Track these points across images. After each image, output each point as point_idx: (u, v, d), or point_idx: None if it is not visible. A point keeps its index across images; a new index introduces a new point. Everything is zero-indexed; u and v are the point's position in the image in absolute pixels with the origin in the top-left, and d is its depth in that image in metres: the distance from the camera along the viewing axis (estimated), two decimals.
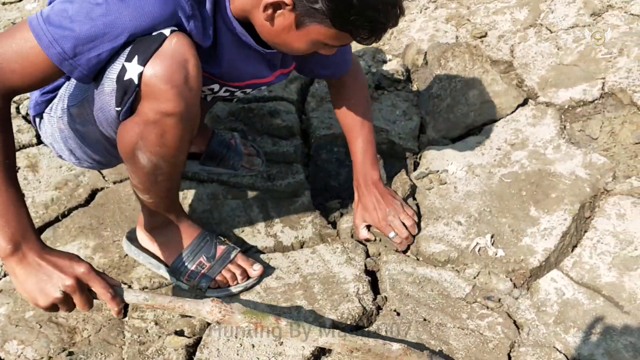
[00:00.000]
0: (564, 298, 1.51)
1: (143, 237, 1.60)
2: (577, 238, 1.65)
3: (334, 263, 1.64)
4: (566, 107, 1.98)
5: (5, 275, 1.61)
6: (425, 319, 1.49)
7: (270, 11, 1.25)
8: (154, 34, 1.22)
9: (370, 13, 1.21)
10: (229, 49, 1.38)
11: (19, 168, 1.92)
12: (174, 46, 1.22)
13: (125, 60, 1.22)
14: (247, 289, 1.57)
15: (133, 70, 1.22)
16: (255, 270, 1.58)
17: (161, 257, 1.58)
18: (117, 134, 1.36)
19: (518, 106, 2.02)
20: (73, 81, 1.40)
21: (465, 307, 1.51)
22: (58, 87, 1.45)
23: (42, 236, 1.71)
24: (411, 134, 2.01)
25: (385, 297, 1.56)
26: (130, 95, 1.25)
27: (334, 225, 1.82)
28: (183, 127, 1.29)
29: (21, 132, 2.04)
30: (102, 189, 1.85)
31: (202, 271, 1.55)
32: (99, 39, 1.18)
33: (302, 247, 1.72)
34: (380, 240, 1.71)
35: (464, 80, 2.07)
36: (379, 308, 1.54)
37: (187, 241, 1.57)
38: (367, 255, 1.69)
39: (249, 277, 1.58)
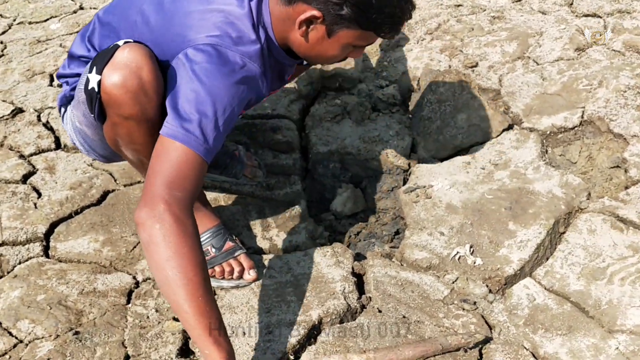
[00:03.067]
0: (535, 303, 1.63)
1: None
2: (550, 250, 1.78)
3: (323, 265, 1.77)
4: (548, 132, 2.13)
5: (20, 263, 1.75)
6: (404, 317, 1.60)
7: (304, 28, 1.46)
8: (110, 46, 1.43)
9: (388, 10, 1.42)
10: (272, 72, 1.60)
11: (37, 170, 2.08)
12: (127, 55, 1.40)
13: (88, 72, 1.42)
14: (237, 287, 1.70)
15: (94, 79, 1.42)
16: (249, 275, 1.71)
17: None
18: (104, 134, 1.56)
19: (503, 130, 2.16)
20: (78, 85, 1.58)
21: (443, 308, 1.63)
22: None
23: (56, 230, 1.86)
24: (403, 152, 2.16)
25: (370, 297, 1.68)
26: (95, 102, 1.44)
27: (326, 231, 1.96)
28: (146, 128, 1.47)
29: (41, 137, 2.21)
30: (113, 190, 2.00)
31: (206, 258, 1.68)
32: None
33: (295, 250, 1.85)
34: None
35: (453, 105, 2.22)
36: (363, 306, 1.66)
37: (203, 228, 1.71)
38: (355, 259, 1.81)
39: (242, 277, 1.71)
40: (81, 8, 3.05)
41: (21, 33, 2.85)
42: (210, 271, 1.68)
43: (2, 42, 2.80)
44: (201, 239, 1.71)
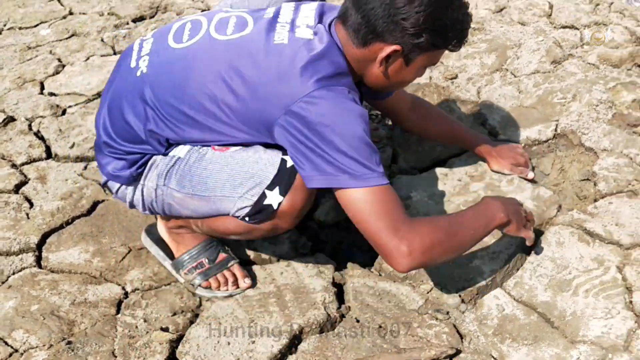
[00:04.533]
0: (504, 313, 1.72)
1: (162, 228, 1.84)
2: (521, 262, 1.87)
3: (305, 275, 1.85)
4: (523, 145, 2.21)
5: (14, 273, 1.82)
6: (380, 326, 1.69)
7: (384, 64, 1.54)
8: (288, 165, 1.52)
9: (459, 26, 1.53)
10: None
11: (29, 179, 2.14)
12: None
13: (266, 188, 1.53)
14: (231, 296, 1.78)
15: (273, 198, 1.54)
16: (245, 283, 1.80)
17: (172, 250, 1.83)
18: (221, 222, 1.69)
19: None
20: (176, 171, 1.64)
21: (417, 318, 1.72)
22: (146, 162, 1.67)
23: (48, 241, 1.93)
24: (384, 163, 2.23)
25: (349, 307, 1.77)
26: (264, 216, 1.56)
27: (310, 240, 2.04)
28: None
29: (32, 147, 2.27)
30: (102, 201, 2.07)
31: (200, 270, 1.77)
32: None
33: (278, 260, 1.93)
34: None
35: None
36: (342, 316, 1.75)
37: (196, 242, 1.81)
38: (336, 269, 1.90)
39: (237, 286, 1.79)
40: (71, 13, 3.10)
41: (12, 39, 2.90)
42: (205, 283, 1.77)
43: None
44: (195, 251, 1.80)
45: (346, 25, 1.55)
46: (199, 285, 1.78)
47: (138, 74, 1.64)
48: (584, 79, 2.38)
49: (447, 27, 1.50)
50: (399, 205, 1.52)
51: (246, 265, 1.89)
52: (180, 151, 1.64)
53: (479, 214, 1.66)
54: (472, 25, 2.71)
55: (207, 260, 1.78)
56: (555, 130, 2.22)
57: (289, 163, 1.54)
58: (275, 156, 1.57)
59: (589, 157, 2.12)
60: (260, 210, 1.56)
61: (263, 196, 1.54)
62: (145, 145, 1.65)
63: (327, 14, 1.61)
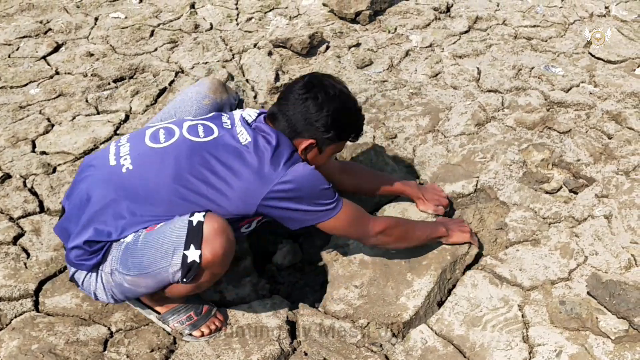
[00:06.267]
0: (427, 345, 2.10)
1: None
2: (440, 296, 2.25)
3: (263, 315, 2.20)
4: (449, 197, 2.61)
5: (16, 316, 2.15)
6: (324, 358, 2.06)
7: (304, 153, 2.09)
8: (194, 223, 1.84)
9: (355, 124, 2.17)
10: None
11: (25, 232, 2.47)
12: (215, 226, 1.84)
13: (184, 250, 1.82)
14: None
15: (194, 255, 1.83)
16: (224, 327, 2.13)
17: (156, 308, 2.11)
18: (175, 289, 1.97)
19: None
20: (122, 254, 1.92)
21: (355, 350, 2.09)
22: (98, 250, 1.95)
23: (44, 287, 2.26)
24: None
25: (299, 341, 2.13)
26: (195, 271, 1.86)
27: (268, 282, 2.41)
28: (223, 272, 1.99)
29: (27, 202, 2.60)
30: None
31: (190, 322, 2.08)
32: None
33: (241, 302, 2.29)
34: None
35: None
36: (294, 349, 2.11)
37: (179, 302, 2.10)
38: (290, 308, 2.26)
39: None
40: (57, 73, 3.42)
41: (4, 98, 3.21)
42: (196, 333, 2.08)
43: None
44: (184, 307, 2.10)
45: (275, 124, 2.10)
46: (189, 334, 2.09)
47: (123, 170, 1.99)
48: (502, 140, 2.79)
49: (347, 125, 2.12)
50: (360, 210, 2.15)
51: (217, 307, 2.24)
52: (129, 237, 1.92)
53: (426, 225, 2.36)
54: (411, 90, 3.16)
55: (194, 313, 2.09)
56: (476, 185, 2.63)
57: (195, 221, 1.84)
58: (183, 220, 1.86)
59: (502, 209, 2.53)
60: (189, 269, 1.84)
61: (185, 257, 1.82)
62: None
63: (261, 114, 2.18)
